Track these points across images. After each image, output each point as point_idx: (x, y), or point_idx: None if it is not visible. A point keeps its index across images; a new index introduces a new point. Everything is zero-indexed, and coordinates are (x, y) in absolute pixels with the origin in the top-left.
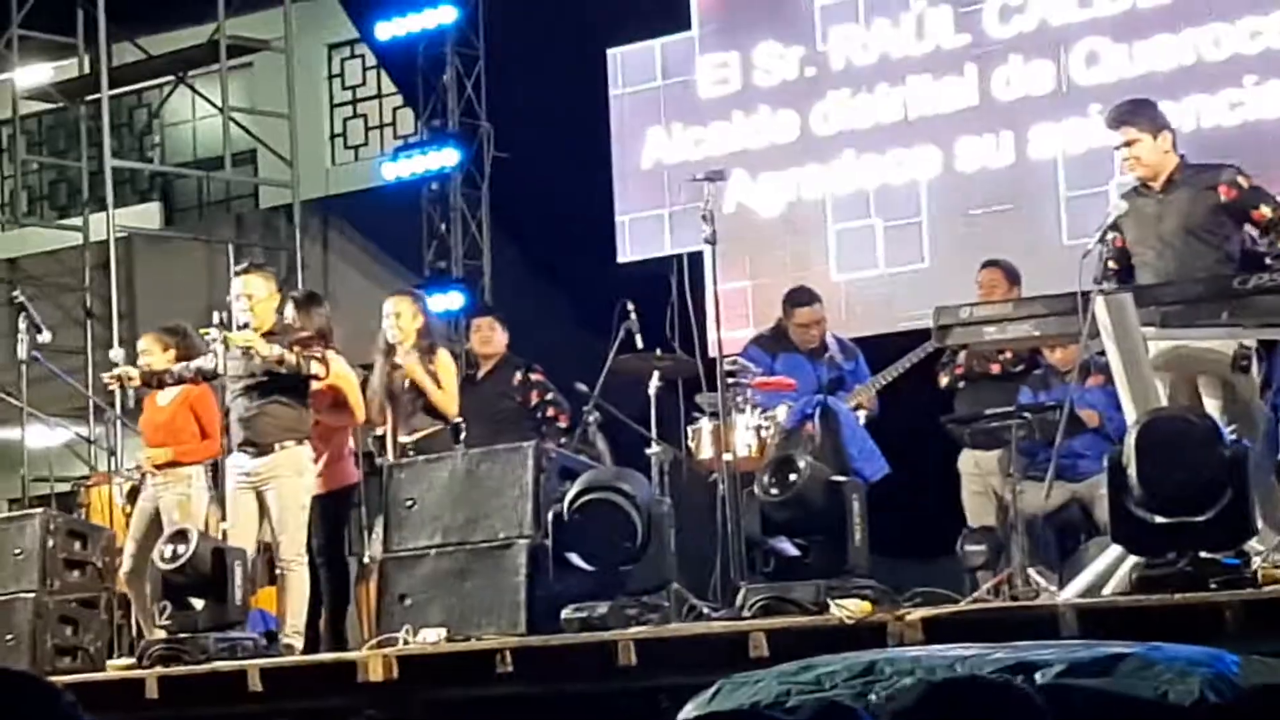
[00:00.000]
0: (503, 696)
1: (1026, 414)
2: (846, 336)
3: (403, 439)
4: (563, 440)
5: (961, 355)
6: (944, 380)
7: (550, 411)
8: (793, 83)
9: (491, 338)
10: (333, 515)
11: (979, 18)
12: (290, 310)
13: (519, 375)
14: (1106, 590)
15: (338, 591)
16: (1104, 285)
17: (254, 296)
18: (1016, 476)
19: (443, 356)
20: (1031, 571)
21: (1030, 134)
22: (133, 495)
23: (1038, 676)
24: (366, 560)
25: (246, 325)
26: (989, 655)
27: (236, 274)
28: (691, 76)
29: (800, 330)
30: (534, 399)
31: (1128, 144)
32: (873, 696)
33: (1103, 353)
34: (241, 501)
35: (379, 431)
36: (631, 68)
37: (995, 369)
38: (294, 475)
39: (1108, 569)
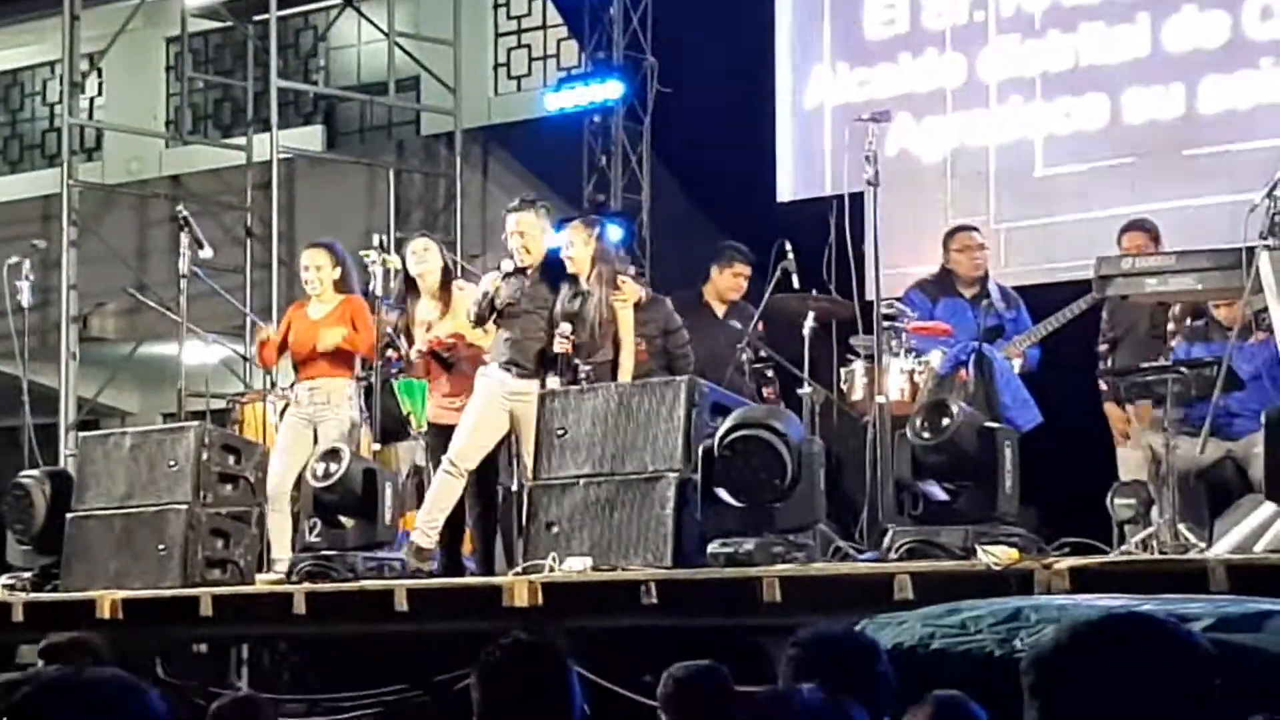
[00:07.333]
0: (646, 628)
1: (1183, 369)
2: (1006, 285)
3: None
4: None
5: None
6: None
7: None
8: (962, 27)
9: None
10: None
11: None
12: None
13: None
14: (1258, 547)
15: (487, 519)
16: (1269, 241)
17: (526, 234)
18: (1170, 431)
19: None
20: (1181, 527)
21: (1200, 87)
22: (284, 413)
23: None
24: (514, 488)
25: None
26: (1137, 607)
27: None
28: (859, 16)
29: (962, 257)
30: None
31: None
32: (1017, 642)
33: (1265, 310)
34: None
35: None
36: (798, 6)
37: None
38: None
39: (1260, 526)
